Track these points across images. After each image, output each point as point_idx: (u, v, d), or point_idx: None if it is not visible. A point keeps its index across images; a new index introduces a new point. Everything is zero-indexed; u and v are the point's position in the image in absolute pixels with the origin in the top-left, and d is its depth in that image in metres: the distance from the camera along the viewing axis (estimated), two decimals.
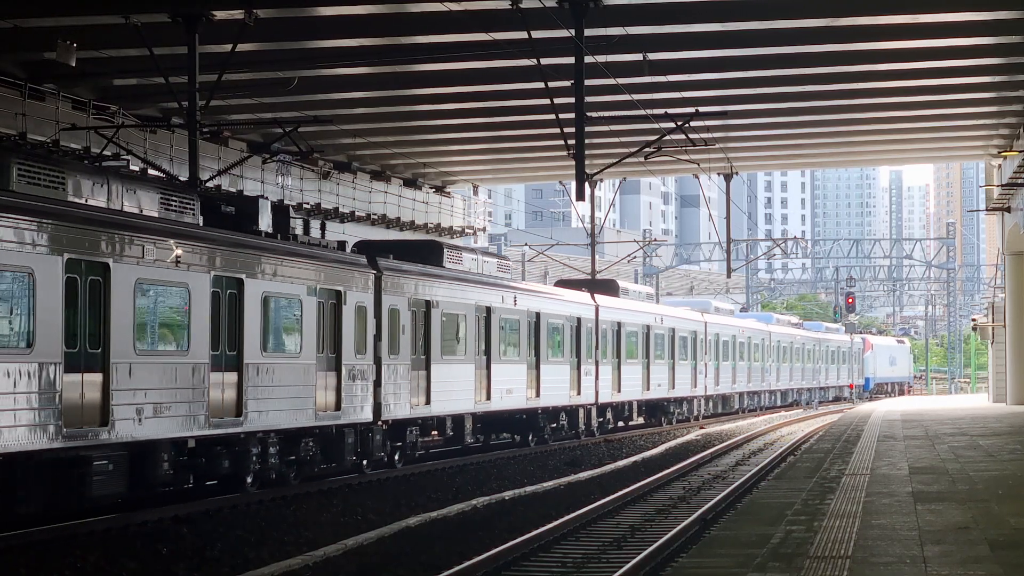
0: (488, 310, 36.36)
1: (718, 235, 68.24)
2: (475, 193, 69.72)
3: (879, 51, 38.92)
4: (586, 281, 51.43)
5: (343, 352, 28.38)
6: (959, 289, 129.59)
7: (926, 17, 35.16)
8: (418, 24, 35.01)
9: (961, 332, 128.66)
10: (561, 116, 32.98)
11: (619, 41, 33.22)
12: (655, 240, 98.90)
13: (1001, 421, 42.85)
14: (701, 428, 54.25)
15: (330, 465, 28.70)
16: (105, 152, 36.17)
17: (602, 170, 42.54)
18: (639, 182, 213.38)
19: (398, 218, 59.92)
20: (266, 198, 27.93)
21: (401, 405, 31.15)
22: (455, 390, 34.21)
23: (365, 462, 29.91)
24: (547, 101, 32.87)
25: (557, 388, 41.45)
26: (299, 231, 28.32)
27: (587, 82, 32.05)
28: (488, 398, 36.40)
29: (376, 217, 58.18)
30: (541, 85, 33.20)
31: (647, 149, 38.16)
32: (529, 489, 27.37)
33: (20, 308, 19.47)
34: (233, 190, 46.26)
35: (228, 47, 32.38)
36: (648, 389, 51.11)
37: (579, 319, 43.71)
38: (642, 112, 38.04)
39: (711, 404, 62.09)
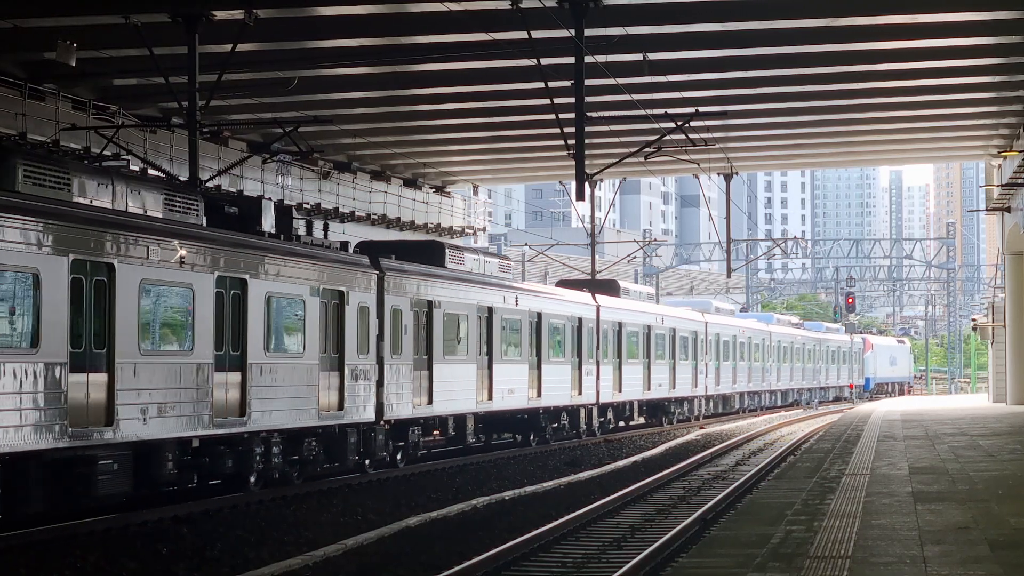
0: (490, 310, 36.41)
1: (718, 235, 68.24)
2: (475, 193, 69.71)
3: (879, 51, 38.96)
4: (587, 281, 51.46)
5: (346, 352, 28.43)
6: (959, 289, 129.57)
7: (926, 17, 35.20)
8: (418, 24, 35.06)
9: (961, 332, 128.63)
10: (561, 116, 33.03)
11: (619, 41, 33.26)
12: (655, 240, 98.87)
13: (1001, 421, 42.88)
14: (701, 428, 54.28)
15: (333, 465, 28.77)
16: (105, 152, 36.19)
17: (602, 170, 42.61)
18: (639, 182, 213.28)
19: (398, 218, 59.94)
20: (269, 199, 27.99)
21: (403, 405, 31.21)
22: (457, 390, 34.26)
23: (368, 462, 29.98)
24: (547, 101, 32.91)
25: (558, 388, 41.50)
26: (302, 232, 28.38)
27: (587, 82, 32.09)
28: (490, 398, 36.46)
29: (376, 217, 58.20)
30: (541, 85, 33.25)
31: (647, 149, 38.22)
32: (529, 489, 27.40)
33: (25, 308, 19.52)
34: (233, 190, 46.28)
35: (228, 47, 32.43)
36: (649, 389, 51.15)
37: (580, 319, 43.75)
38: (642, 112, 38.07)
39: (711, 404, 62.10)
